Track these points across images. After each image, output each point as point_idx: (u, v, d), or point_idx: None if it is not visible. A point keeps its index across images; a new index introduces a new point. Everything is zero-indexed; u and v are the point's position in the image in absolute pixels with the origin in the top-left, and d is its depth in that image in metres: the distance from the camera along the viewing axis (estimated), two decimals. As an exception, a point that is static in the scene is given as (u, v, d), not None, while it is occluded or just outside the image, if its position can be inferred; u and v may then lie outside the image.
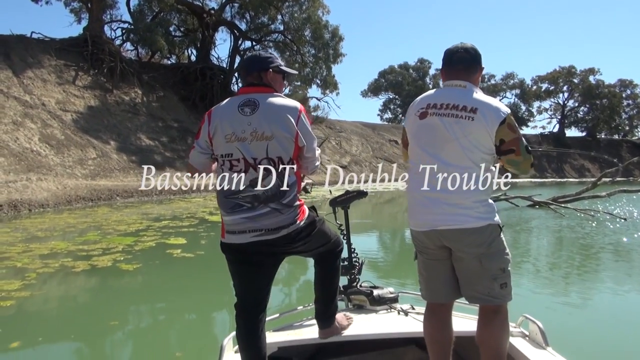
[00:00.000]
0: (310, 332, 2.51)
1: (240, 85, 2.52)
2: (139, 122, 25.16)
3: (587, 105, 63.06)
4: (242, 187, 2.11)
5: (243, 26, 33.86)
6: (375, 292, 2.95)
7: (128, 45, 31.60)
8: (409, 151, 2.27)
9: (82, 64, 25.27)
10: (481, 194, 2.09)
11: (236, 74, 32.00)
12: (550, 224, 12.27)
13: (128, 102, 25.88)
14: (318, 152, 2.33)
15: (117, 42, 29.95)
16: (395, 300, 2.95)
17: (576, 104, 64.06)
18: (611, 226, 11.64)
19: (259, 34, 34.22)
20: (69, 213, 13.01)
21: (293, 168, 2.17)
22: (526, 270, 6.66)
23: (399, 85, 59.02)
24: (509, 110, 2.11)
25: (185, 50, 35.07)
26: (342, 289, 3.06)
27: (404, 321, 2.69)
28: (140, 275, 6.29)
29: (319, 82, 34.98)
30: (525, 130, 61.47)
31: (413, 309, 2.85)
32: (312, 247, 2.31)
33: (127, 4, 29.98)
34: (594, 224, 11.65)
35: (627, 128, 66.72)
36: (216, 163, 2.23)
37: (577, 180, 47.54)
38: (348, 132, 45.57)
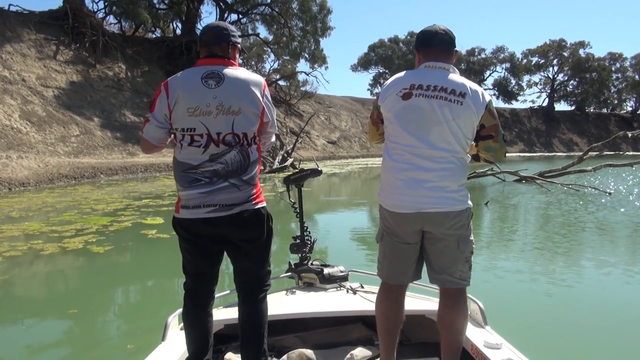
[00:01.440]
0: None
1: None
2: (123, 97, 24.70)
3: (577, 79, 63.10)
4: (201, 162, 2.04)
5: (229, -2, 33.08)
6: (326, 270, 2.97)
7: (111, 19, 30.79)
8: (390, 131, 2.19)
9: (63, 38, 24.61)
10: (463, 177, 2.12)
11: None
12: (531, 200, 12.30)
13: (112, 77, 25.34)
14: (276, 127, 2.31)
15: (100, 15, 29.15)
16: (345, 278, 2.97)
17: (566, 78, 64.11)
18: (594, 202, 11.70)
19: (246, 7, 33.51)
20: (49, 192, 12.80)
21: (256, 144, 2.14)
22: (484, 249, 6.66)
23: (389, 59, 58.42)
24: (490, 96, 2.14)
25: (170, 24, 34.30)
26: (292, 266, 3.10)
27: (353, 299, 2.71)
28: (109, 257, 6.14)
29: (307, 56, 34.64)
30: (514, 104, 61.77)
31: (362, 287, 2.87)
32: (253, 254, 2.20)
33: (109, -25, 29.07)
34: (580, 203, 11.67)
35: (616, 102, 67.04)
36: (172, 137, 2.14)
37: (565, 154, 47.85)
38: (337, 107, 45.25)
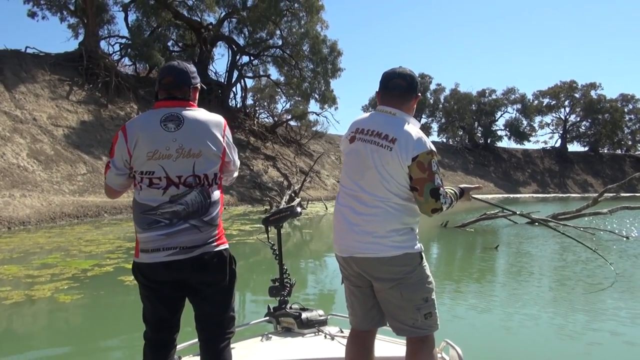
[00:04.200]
0: (233, 355, 2.36)
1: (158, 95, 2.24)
2: (133, 137, 24.81)
3: (589, 120, 62.74)
4: (161, 203, 2.01)
5: (241, 41, 33.78)
6: (304, 314, 2.90)
7: (126, 61, 31.52)
8: (341, 173, 2.28)
9: (77, 78, 25.07)
10: (396, 223, 2.06)
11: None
12: (543, 245, 11.78)
13: (123, 117, 25.59)
14: (238, 163, 2.29)
15: (115, 57, 29.83)
16: (324, 323, 2.91)
17: (578, 119, 63.76)
18: (614, 247, 11.15)
19: (257, 49, 34.12)
20: (45, 231, 12.57)
21: (217, 184, 2.11)
22: (473, 293, 6.62)
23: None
24: (428, 148, 2.05)
25: (184, 65, 34.99)
26: (271, 310, 3.05)
27: (330, 346, 2.65)
28: (73, 309, 5.71)
29: (317, 96, 34.74)
30: (527, 145, 61.25)
31: (341, 332, 2.81)
32: (214, 299, 2.12)
33: (125, 19, 29.96)
34: (592, 249, 11.13)
35: (630, 143, 66.28)
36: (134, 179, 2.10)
37: (580, 195, 46.97)
38: (348, 147, 45.23)
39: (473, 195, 2.41)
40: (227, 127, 2.15)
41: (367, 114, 2.24)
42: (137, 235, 2.05)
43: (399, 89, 2.17)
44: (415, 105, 2.24)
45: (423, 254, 2.14)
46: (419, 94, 2.23)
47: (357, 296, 2.20)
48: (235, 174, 2.31)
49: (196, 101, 2.20)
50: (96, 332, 5.13)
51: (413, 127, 2.12)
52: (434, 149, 2.10)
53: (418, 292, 2.07)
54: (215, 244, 2.07)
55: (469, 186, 2.39)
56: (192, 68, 2.21)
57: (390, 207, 2.05)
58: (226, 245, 2.14)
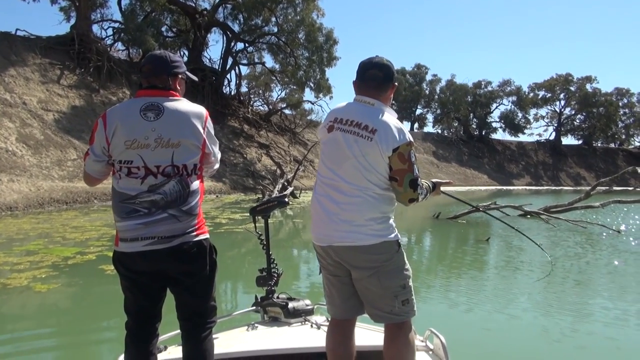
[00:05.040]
0: (218, 345, 2.37)
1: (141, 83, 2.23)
2: (125, 123, 24.56)
3: (584, 114, 62.84)
4: (139, 192, 2.00)
5: (236, 28, 33.36)
6: (291, 304, 2.92)
7: (119, 45, 31.09)
8: (319, 163, 2.26)
9: (68, 62, 24.72)
10: (374, 211, 2.09)
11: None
12: (535, 237, 11.77)
13: (115, 102, 25.21)
14: (219, 155, 2.28)
15: (108, 41, 29.47)
16: (310, 312, 2.93)
17: (573, 112, 63.84)
18: (604, 238, 11.14)
19: (252, 36, 33.73)
20: (32, 217, 12.42)
21: (197, 174, 2.10)
22: (458, 284, 6.64)
23: (395, 91, 58.31)
24: (408, 139, 2.09)
25: (177, 51, 34.56)
26: (258, 300, 3.05)
27: (316, 335, 2.66)
28: (49, 298, 5.57)
29: (312, 85, 34.50)
30: (521, 137, 61.35)
31: (328, 321, 2.74)
32: (195, 288, 2.11)
33: (119, 3, 29.47)
34: (583, 238, 11.12)
35: (624, 137, 66.55)
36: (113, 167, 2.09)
37: (572, 188, 47.17)
38: (342, 137, 45.10)
39: (442, 189, 2.46)
40: (208, 118, 2.13)
41: (344, 104, 2.25)
42: (116, 224, 2.05)
43: (376, 80, 2.18)
44: (392, 95, 2.27)
45: (400, 241, 2.17)
46: (395, 83, 2.25)
47: (335, 285, 2.22)
48: (216, 166, 2.30)
49: (180, 92, 2.17)
50: (71, 324, 4.96)
51: (392, 118, 2.13)
52: (412, 139, 2.14)
53: (396, 279, 2.10)
54: (194, 233, 2.06)
55: (441, 181, 2.45)
56: (174, 57, 2.18)
57: (369, 196, 2.07)
58: (206, 235, 2.12)
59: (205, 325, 2.13)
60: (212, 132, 2.16)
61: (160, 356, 2.26)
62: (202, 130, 2.08)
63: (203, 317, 2.13)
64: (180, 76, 2.17)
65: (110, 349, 4.10)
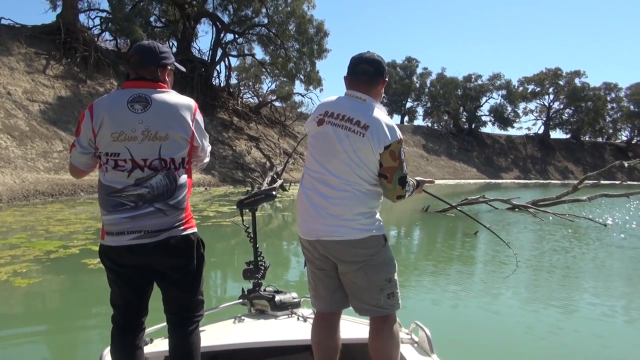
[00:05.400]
0: (203, 338, 2.37)
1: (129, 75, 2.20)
2: (113, 114, 24.22)
3: (572, 108, 63.24)
4: (126, 185, 1.98)
5: (226, 18, 33.00)
6: (277, 297, 2.92)
7: (107, 35, 30.62)
8: (306, 156, 2.27)
9: (54, 52, 24.28)
10: (362, 206, 2.09)
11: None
12: (523, 231, 11.83)
13: (102, 93, 24.78)
14: (209, 149, 2.25)
15: (96, 31, 28.96)
16: (297, 305, 2.94)
17: (561, 106, 64.25)
18: (591, 231, 11.22)
19: (242, 27, 33.42)
20: (16, 209, 12.20)
21: (185, 168, 2.08)
22: (445, 276, 6.69)
23: (387, 85, 58.37)
24: (399, 137, 2.10)
25: (166, 42, 34.13)
26: (245, 293, 3.04)
27: (302, 328, 2.65)
28: (28, 293, 5.43)
29: (302, 77, 34.31)
30: (510, 131, 61.66)
31: (314, 314, 2.77)
32: (182, 283, 2.10)
33: (105, -8, 29.01)
34: (568, 230, 11.21)
35: (611, 131, 67.18)
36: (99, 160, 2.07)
37: (560, 182, 47.59)
38: (332, 130, 44.97)
39: (424, 189, 2.49)
40: (197, 110, 2.09)
41: (334, 97, 2.24)
42: (102, 217, 2.04)
43: (367, 75, 2.18)
44: (382, 90, 2.27)
45: (386, 235, 2.18)
46: (386, 79, 2.24)
47: (321, 279, 2.23)
48: (206, 160, 2.27)
49: (169, 83, 2.14)
50: (51, 319, 4.85)
51: (383, 115, 2.13)
52: (402, 137, 2.15)
53: (382, 273, 2.11)
54: (182, 227, 2.04)
55: (425, 179, 2.49)
56: (163, 48, 2.14)
57: (358, 191, 2.08)
58: (194, 230, 2.11)
59: (193, 319, 2.13)
60: (202, 124, 2.13)
61: (146, 349, 2.26)
62: (190, 123, 2.04)
63: (190, 311, 2.13)
64: (169, 67, 2.14)
65: (94, 343, 4.03)
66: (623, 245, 9.78)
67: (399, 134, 2.11)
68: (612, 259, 8.39)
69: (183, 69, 2.41)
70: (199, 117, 2.10)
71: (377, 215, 2.16)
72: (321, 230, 2.10)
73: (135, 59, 2.09)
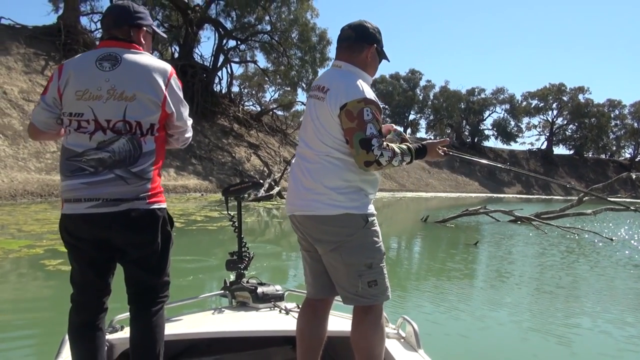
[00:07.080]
0: (178, 327, 2.35)
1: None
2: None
3: (576, 124, 63.13)
4: (87, 149, 1.86)
5: (228, 25, 32.93)
6: (260, 289, 2.81)
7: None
8: None
9: (54, 53, 24.11)
10: (335, 178, 1.94)
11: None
12: (524, 244, 11.40)
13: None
14: (190, 122, 2.07)
15: (97, 34, 28.84)
16: (280, 298, 2.82)
17: (565, 122, 64.11)
18: (596, 246, 10.78)
19: (245, 34, 33.33)
20: (-4, 210, 11.76)
21: (154, 136, 1.93)
22: (442, 285, 6.62)
23: (389, 95, 58.35)
24: (360, 96, 1.90)
25: (168, 47, 34.02)
26: (227, 284, 2.95)
27: (284, 320, 2.55)
28: None
29: (304, 85, 34.16)
30: (513, 146, 61.43)
31: (298, 307, 2.64)
32: (144, 262, 1.94)
33: (109, -5, 28.95)
34: (574, 245, 10.77)
35: (614, 148, 66.95)
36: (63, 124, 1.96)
37: (563, 197, 47.14)
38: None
39: (447, 151, 2.22)
40: (174, 75, 1.96)
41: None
42: (61, 183, 1.94)
43: (348, 40, 2.07)
44: (369, 57, 2.07)
45: (372, 218, 1.99)
46: (374, 45, 2.06)
47: (307, 261, 2.15)
48: (188, 135, 2.10)
49: (145, 47, 2.01)
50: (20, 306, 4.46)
51: (351, 76, 1.98)
52: (370, 97, 1.91)
53: (360, 257, 1.95)
54: (147, 201, 1.89)
55: (434, 141, 2.23)
56: (138, 8, 2.04)
57: (326, 161, 1.95)
58: (162, 205, 1.96)
59: (156, 300, 1.98)
60: (179, 92, 1.98)
61: (116, 335, 2.19)
62: (163, 87, 1.91)
63: (154, 292, 1.99)
64: (144, 29, 2.03)
65: (44, 344, 3.67)
66: (630, 262, 9.32)
67: (362, 93, 1.90)
68: (617, 272, 7.97)
69: (163, 34, 2.29)
70: (175, 82, 1.95)
71: (360, 193, 1.97)
72: (296, 204, 2.02)
73: (108, 19, 2.01)
